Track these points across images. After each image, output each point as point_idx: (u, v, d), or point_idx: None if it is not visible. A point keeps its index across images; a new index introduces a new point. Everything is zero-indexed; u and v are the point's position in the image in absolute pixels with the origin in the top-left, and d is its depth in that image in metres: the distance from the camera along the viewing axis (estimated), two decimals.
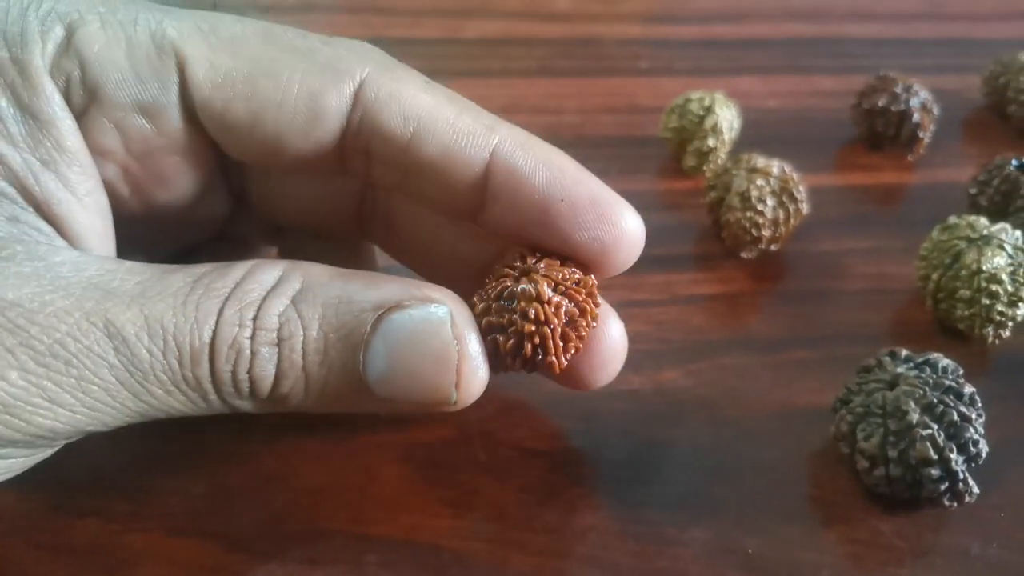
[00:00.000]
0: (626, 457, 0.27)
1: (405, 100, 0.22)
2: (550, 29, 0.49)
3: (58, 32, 0.20)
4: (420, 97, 0.22)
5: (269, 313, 0.20)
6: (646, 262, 0.34)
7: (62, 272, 0.19)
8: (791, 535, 0.25)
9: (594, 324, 0.23)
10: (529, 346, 0.21)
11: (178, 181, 0.23)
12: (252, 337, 0.20)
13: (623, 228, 0.22)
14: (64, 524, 0.24)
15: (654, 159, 0.40)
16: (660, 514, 0.25)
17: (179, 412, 0.20)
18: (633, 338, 0.31)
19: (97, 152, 0.21)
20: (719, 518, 0.25)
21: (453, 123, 0.22)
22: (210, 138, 0.23)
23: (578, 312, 0.22)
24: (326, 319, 0.20)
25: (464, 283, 0.24)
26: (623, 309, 0.32)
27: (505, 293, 0.21)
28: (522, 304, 0.21)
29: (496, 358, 0.21)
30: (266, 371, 0.20)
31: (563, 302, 0.21)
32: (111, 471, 0.25)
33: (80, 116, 0.21)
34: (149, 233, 0.26)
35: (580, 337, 0.22)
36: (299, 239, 0.29)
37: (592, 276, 0.23)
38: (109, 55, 0.21)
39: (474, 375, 0.21)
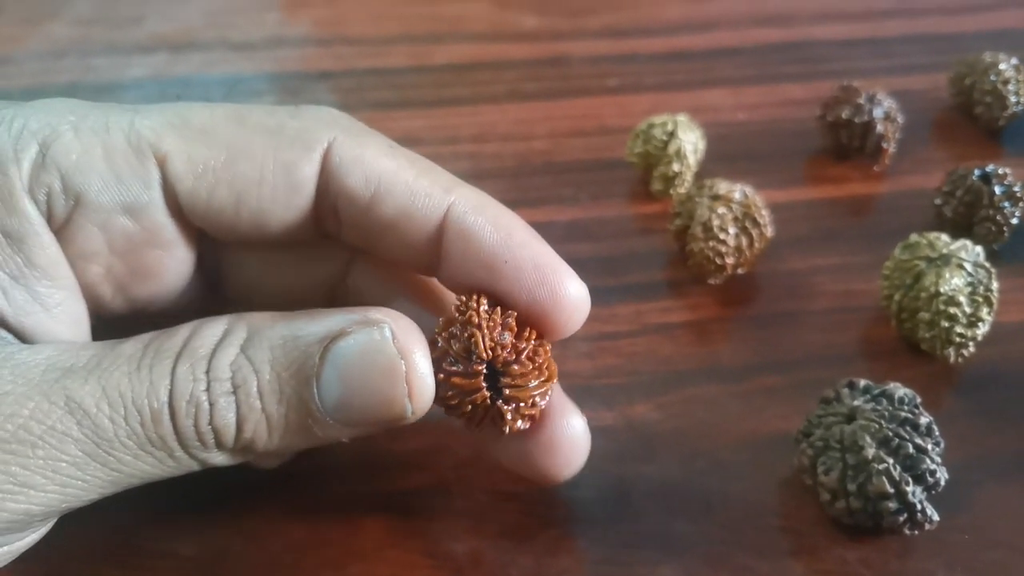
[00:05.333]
0: (598, 496, 0.27)
1: (368, 163, 0.23)
2: (518, 50, 0.50)
3: (33, 149, 0.21)
4: (382, 160, 0.23)
5: (221, 364, 0.21)
6: (618, 291, 0.35)
7: (19, 359, 0.20)
8: (759, 569, 0.25)
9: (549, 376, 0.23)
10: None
11: (160, 274, 0.24)
12: (208, 389, 0.21)
13: (562, 294, 0.23)
14: None
15: (624, 182, 0.40)
16: (631, 554, 0.26)
17: (151, 475, 0.21)
18: (605, 373, 0.32)
19: (81, 256, 0.22)
20: (688, 555, 0.26)
21: (411, 185, 0.23)
22: (191, 227, 0.24)
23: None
24: (276, 359, 0.21)
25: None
26: (596, 343, 0.33)
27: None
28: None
29: (449, 386, 0.22)
30: (227, 419, 0.21)
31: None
32: (102, 537, 0.26)
33: (64, 223, 0.22)
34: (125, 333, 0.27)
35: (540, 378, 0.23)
36: None
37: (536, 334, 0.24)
38: (87, 162, 0.22)
39: (423, 384, 0.21)
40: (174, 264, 0.24)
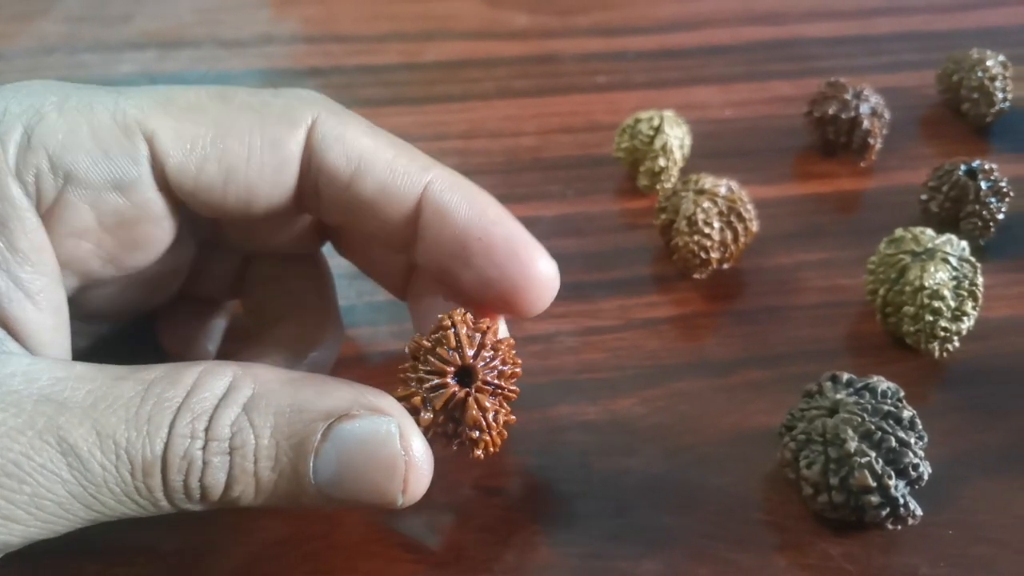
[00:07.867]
0: (581, 490, 0.27)
1: (349, 141, 0.24)
2: (509, 47, 0.50)
3: (18, 132, 0.21)
4: (362, 139, 0.24)
5: (221, 423, 0.20)
6: (603, 286, 0.35)
7: (13, 386, 0.20)
8: (742, 563, 0.25)
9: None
10: (472, 455, 0.23)
11: (149, 245, 0.24)
12: (204, 448, 0.20)
13: (533, 270, 0.23)
14: None
15: (611, 178, 0.40)
16: (614, 548, 0.26)
17: (128, 515, 0.21)
18: (590, 367, 0.32)
19: (72, 234, 0.22)
20: (671, 549, 0.26)
21: (391, 163, 0.24)
22: (179, 201, 0.24)
23: (509, 409, 0.23)
24: (278, 427, 0.21)
25: (398, 279, 0.28)
26: (581, 337, 0.33)
27: (451, 404, 0.22)
28: (473, 434, 0.23)
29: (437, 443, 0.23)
30: (217, 478, 0.21)
31: (501, 411, 0.23)
32: (81, 532, 0.26)
33: (54, 203, 0.22)
34: (116, 304, 0.27)
35: (509, 427, 0.24)
36: (261, 274, 0.30)
37: (513, 346, 0.24)
38: (75, 141, 0.21)
39: (420, 480, 0.22)
40: (163, 235, 0.24)
